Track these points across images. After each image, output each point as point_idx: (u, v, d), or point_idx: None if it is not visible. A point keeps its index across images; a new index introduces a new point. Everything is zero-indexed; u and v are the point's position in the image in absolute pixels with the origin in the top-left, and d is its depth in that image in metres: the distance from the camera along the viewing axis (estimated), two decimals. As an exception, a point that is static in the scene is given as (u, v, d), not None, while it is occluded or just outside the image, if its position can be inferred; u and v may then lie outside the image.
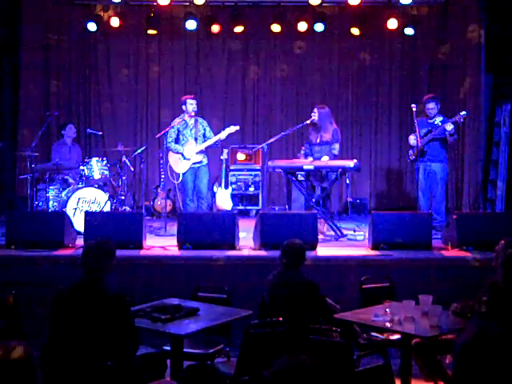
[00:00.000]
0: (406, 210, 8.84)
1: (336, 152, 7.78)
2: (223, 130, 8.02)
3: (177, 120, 8.03)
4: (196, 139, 7.97)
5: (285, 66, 10.64)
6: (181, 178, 8.03)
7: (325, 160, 7.56)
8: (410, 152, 8.09)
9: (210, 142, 7.97)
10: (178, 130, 8.01)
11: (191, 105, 7.98)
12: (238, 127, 8.06)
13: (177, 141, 8.02)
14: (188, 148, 7.95)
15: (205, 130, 8.06)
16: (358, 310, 4.67)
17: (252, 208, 10.01)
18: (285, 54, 10.63)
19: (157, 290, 5.63)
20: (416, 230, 6.61)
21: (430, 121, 8.01)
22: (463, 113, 7.81)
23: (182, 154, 7.94)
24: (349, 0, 9.47)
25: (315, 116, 7.81)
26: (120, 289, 4.09)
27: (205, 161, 8.06)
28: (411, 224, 6.66)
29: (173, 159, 8.03)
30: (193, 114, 7.96)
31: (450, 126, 7.74)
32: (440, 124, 7.88)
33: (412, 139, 7.97)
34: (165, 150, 7.98)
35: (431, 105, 7.99)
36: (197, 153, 7.95)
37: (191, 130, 8.00)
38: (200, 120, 8.10)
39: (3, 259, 6.31)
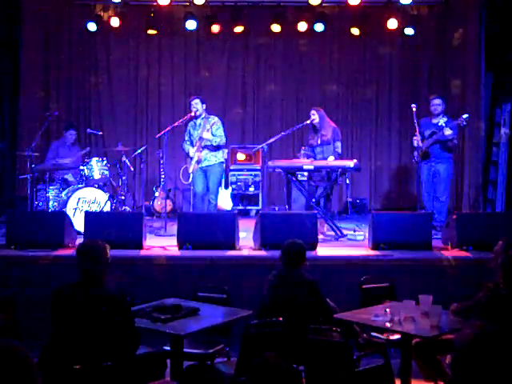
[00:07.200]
0: (406, 210, 8.84)
1: (339, 150, 7.81)
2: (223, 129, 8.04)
3: (183, 120, 7.99)
4: (201, 138, 7.94)
5: (285, 65, 10.63)
6: (191, 179, 8.03)
7: (331, 160, 7.57)
8: (415, 153, 7.97)
9: (201, 142, 7.91)
10: (190, 132, 8.02)
11: (191, 105, 7.99)
12: (216, 118, 8.00)
13: (192, 143, 8.02)
14: (192, 148, 7.96)
15: (211, 128, 7.96)
16: (357, 310, 4.67)
17: (252, 208, 10.01)
18: (285, 54, 10.62)
19: (157, 289, 5.63)
20: (416, 229, 6.61)
21: (434, 121, 7.97)
22: (465, 116, 7.73)
23: (188, 154, 7.95)
24: (349, 0, 9.47)
25: (315, 117, 7.81)
26: (120, 289, 4.09)
27: (214, 160, 7.95)
28: (411, 224, 6.66)
29: (188, 161, 8.05)
30: (193, 113, 7.94)
31: (448, 131, 7.71)
32: (444, 125, 7.85)
33: (416, 141, 7.89)
34: (164, 148, 7.96)
35: (437, 101, 7.94)
36: (198, 151, 7.90)
37: (198, 130, 7.99)
38: (210, 119, 8.02)
39: (3, 259, 6.31)
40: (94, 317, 3.81)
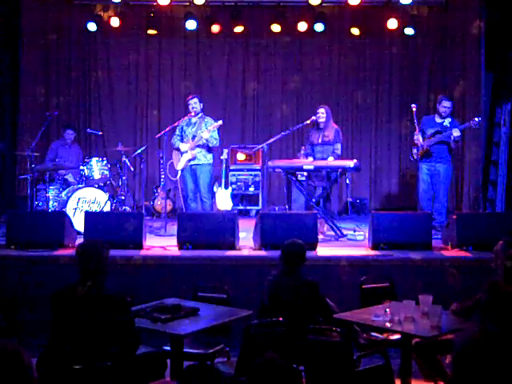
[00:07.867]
0: (406, 210, 8.83)
1: (339, 152, 7.80)
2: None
3: (182, 119, 8.03)
4: (194, 137, 7.95)
5: (285, 66, 10.63)
6: (179, 175, 8.03)
7: (330, 160, 7.56)
8: (415, 151, 7.92)
9: (196, 140, 7.89)
10: (182, 128, 8.03)
11: (190, 105, 8.00)
12: (220, 122, 7.99)
13: (182, 139, 8.03)
14: (184, 144, 7.96)
15: (207, 129, 7.97)
16: (357, 310, 4.67)
17: (252, 208, 10.01)
18: (285, 54, 10.63)
19: (157, 290, 5.63)
20: (416, 230, 6.61)
21: (439, 120, 7.89)
22: (477, 119, 7.67)
23: (178, 149, 7.95)
24: (349, 0, 9.47)
25: (323, 115, 7.78)
26: (120, 289, 4.09)
27: (204, 160, 7.98)
28: (411, 224, 6.66)
29: (174, 156, 8.06)
30: (193, 113, 7.95)
31: (456, 133, 7.65)
32: (449, 125, 7.81)
33: (416, 139, 7.82)
34: (164, 148, 7.96)
35: (448, 103, 7.84)
36: (191, 149, 7.89)
37: (192, 128, 8.00)
38: (206, 119, 8.03)
39: (3, 259, 6.31)
40: (93, 317, 3.80)
